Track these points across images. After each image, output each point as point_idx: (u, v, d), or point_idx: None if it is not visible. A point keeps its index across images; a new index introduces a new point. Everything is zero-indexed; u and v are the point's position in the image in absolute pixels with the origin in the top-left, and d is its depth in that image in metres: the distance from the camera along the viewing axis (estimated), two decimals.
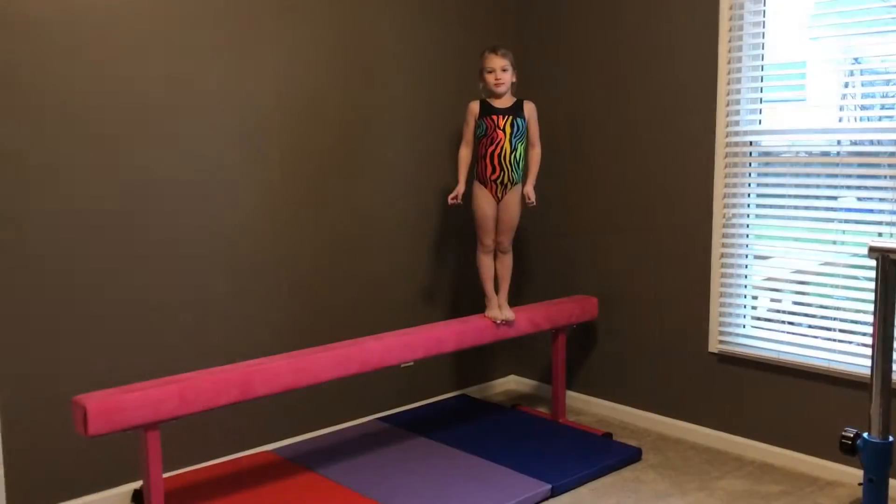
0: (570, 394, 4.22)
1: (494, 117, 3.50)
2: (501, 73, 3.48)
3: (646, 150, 3.84)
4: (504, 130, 3.49)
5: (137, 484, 3.20)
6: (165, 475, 3.17)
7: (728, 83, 3.52)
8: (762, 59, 3.48)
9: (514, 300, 3.94)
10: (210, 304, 3.36)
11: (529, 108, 3.56)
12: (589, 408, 4.21)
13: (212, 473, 3.32)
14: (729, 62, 3.50)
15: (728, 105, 3.53)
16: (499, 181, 3.53)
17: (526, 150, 3.58)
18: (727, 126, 3.54)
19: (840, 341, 3.32)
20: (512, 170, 3.52)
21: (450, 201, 3.58)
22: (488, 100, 3.55)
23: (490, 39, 3.90)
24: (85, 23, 2.95)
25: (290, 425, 3.68)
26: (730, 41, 3.49)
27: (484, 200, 3.57)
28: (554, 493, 3.21)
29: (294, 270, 3.61)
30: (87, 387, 2.91)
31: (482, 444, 3.61)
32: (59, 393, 2.96)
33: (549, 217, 4.25)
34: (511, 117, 3.50)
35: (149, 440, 2.66)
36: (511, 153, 3.50)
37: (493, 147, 3.50)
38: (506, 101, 3.53)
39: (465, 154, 3.58)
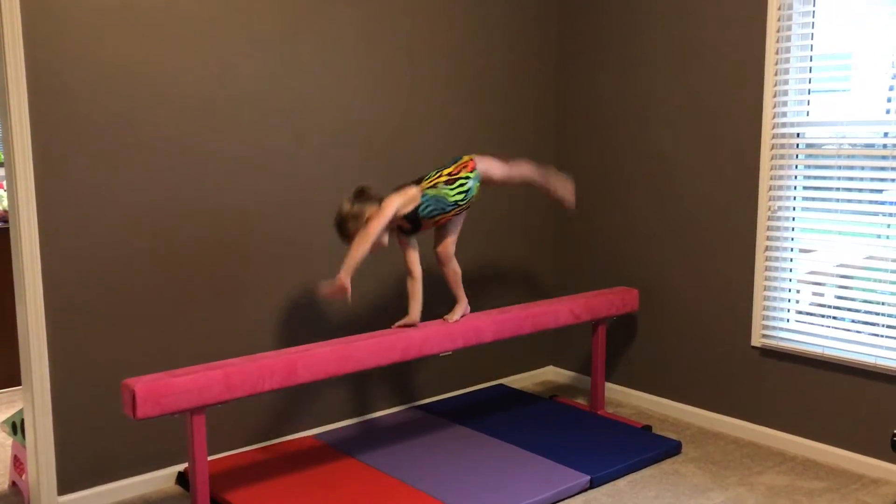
0: (609, 385, 4.21)
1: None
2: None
3: (691, 141, 3.80)
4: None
5: (182, 466, 3.27)
6: (210, 458, 3.23)
7: (776, 73, 3.46)
8: (811, 48, 3.41)
9: (556, 291, 3.93)
10: (253, 291, 3.40)
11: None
12: (628, 400, 4.19)
13: (255, 457, 3.38)
14: (777, 52, 3.45)
15: (776, 96, 3.47)
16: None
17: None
18: (774, 117, 3.49)
19: (886, 337, 3.27)
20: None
21: None
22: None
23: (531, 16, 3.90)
24: (153, 19, 3.01)
25: (331, 412, 3.73)
26: (778, 31, 3.43)
27: None
28: (592, 485, 3.20)
29: (337, 259, 3.64)
30: (135, 371, 2.98)
31: (520, 434, 3.62)
32: (109, 376, 3.04)
33: (591, 209, 4.23)
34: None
35: (194, 424, 2.71)
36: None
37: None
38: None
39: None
